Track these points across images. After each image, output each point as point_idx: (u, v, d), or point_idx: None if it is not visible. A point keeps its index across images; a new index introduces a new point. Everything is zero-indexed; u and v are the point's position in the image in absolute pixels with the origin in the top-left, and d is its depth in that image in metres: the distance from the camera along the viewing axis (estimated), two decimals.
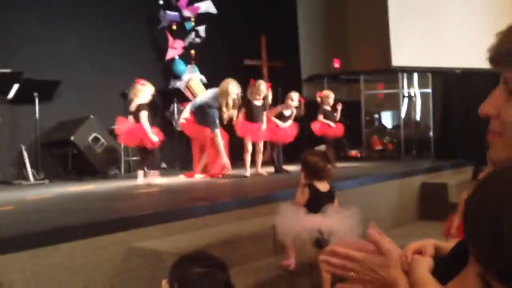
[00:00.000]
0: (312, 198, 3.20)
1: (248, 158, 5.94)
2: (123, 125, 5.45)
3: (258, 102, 5.89)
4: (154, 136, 5.30)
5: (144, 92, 5.41)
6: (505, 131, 0.90)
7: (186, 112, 6.03)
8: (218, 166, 5.94)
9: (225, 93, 5.72)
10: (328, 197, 3.25)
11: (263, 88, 5.86)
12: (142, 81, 5.51)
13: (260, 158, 6.10)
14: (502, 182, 0.70)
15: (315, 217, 3.10)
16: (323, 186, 3.26)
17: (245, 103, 5.91)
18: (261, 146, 6.07)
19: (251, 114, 5.86)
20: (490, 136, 0.93)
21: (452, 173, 6.81)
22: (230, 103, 5.75)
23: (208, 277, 1.55)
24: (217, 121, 5.76)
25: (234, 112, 5.86)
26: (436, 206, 5.62)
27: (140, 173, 5.46)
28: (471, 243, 0.72)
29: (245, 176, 5.81)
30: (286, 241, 3.23)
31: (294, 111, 6.32)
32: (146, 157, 5.49)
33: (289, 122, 6.31)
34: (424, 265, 0.99)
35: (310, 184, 3.23)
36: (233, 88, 5.75)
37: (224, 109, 5.75)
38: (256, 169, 6.06)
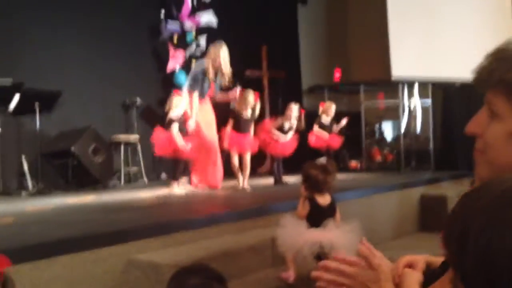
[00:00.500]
0: (313, 212, 3.21)
1: (235, 170, 5.76)
2: (158, 135, 5.51)
3: (246, 113, 5.75)
4: (184, 147, 5.32)
5: (178, 105, 5.53)
6: (487, 150, 0.95)
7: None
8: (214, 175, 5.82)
9: (211, 58, 5.68)
10: (329, 210, 3.26)
11: (251, 99, 5.72)
12: (178, 93, 5.66)
13: (247, 171, 5.83)
14: (476, 196, 0.76)
15: (316, 231, 3.12)
16: (324, 199, 3.27)
17: (232, 114, 5.80)
18: (247, 158, 5.83)
19: (239, 125, 5.71)
20: (475, 153, 0.98)
21: (452, 184, 6.81)
22: (210, 65, 5.65)
23: None
24: (193, 83, 5.65)
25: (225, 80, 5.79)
26: (435, 218, 5.61)
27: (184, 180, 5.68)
28: (445, 249, 0.78)
29: (239, 188, 5.69)
30: (287, 254, 3.23)
31: (295, 123, 6.25)
32: (178, 167, 5.58)
33: (290, 134, 6.25)
34: (413, 279, 1.04)
35: (311, 198, 3.24)
36: (217, 50, 5.68)
37: (209, 74, 5.66)
38: (242, 183, 5.78)
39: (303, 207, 3.25)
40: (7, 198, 5.43)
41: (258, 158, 8.38)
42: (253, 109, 5.80)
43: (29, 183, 5.96)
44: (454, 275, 0.77)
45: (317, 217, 3.19)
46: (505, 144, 0.91)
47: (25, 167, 6.01)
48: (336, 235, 3.06)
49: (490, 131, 0.93)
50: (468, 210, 0.75)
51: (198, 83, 5.64)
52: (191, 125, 5.51)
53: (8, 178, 6.06)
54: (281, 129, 6.22)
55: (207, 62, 5.70)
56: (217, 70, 5.72)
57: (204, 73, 5.67)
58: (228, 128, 5.73)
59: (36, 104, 6.11)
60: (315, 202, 3.23)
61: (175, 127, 5.38)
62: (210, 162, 5.73)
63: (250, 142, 5.83)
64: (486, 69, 0.92)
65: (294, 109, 6.24)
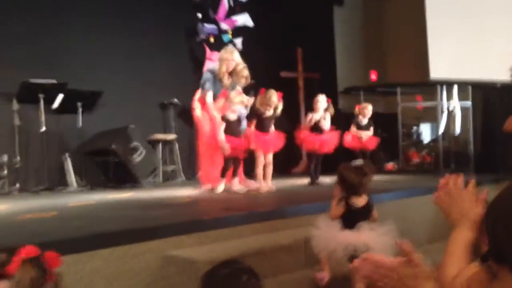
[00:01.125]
0: (348, 213, 3.19)
1: (260, 172, 5.62)
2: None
3: (268, 113, 5.60)
4: (224, 146, 5.37)
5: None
6: None
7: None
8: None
9: (221, 60, 5.67)
10: (364, 212, 3.24)
11: (275, 99, 5.57)
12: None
13: (270, 171, 5.72)
14: None
15: (350, 233, 3.10)
16: (359, 201, 3.24)
17: (254, 114, 5.67)
18: (270, 158, 5.70)
19: (262, 125, 5.59)
20: None
21: (492, 188, 6.62)
22: (223, 69, 5.63)
23: (232, 278, 1.60)
24: (209, 84, 5.65)
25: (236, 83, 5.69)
26: None
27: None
28: (489, 237, 0.79)
29: (259, 191, 5.52)
30: (321, 255, 3.24)
31: (326, 114, 6.19)
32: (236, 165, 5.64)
33: (327, 124, 6.21)
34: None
35: (346, 199, 3.22)
36: (227, 53, 5.69)
37: (223, 79, 5.66)
38: (266, 183, 5.65)
39: (337, 209, 3.23)
40: (51, 194, 5.64)
41: (293, 158, 8.44)
42: (275, 108, 5.68)
43: (72, 180, 6.17)
44: (499, 267, 0.78)
45: (352, 218, 3.17)
46: None
47: (69, 164, 6.23)
48: (370, 237, 3.05)
49: None
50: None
51: (211, 85, 5.67)
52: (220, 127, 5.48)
53: (52, 175, 6.29)
54: (316, 125, 6.18)
55: (219, 67, 5.71)
56: (230, 74, 5.70)
57: (215, 76, 5.70)
58: (252, 127, 5.61)
59: (79, 104, 6.32)
60: (350, 204, 3.21)
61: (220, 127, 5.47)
62: (217, 161, 5.70)
63: (274, 141, 5.69)
64: None
65: (321, 100, 6.16)
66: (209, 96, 5.65)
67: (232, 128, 5.43)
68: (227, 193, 5.52)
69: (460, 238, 1.19)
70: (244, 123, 7.60)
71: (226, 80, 5.68)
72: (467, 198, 1.27)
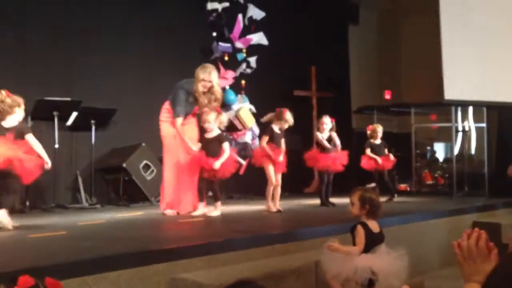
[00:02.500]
0: (367, 239, 3.12)
1: (271, 191, 5.55)
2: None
3: (278, 130, 5.64)
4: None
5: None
6: None
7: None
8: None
9: (198, 80, 5.37)
10: (380, 237, 3.21)
11: (290, 119, 5.62)
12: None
13: (279, 192, 5.66)
14: None
15: (365, 257, 3.06)
16: (374, 226, 3.22)
17: (267, 130, 5.66)
18: (279, 179, 5.63)
19: (274, 142, 5.57)
20: None
21: (507, 212, 6.53)
22: (200, 89, 5.33)
23: None
24: (181, 107, 5.33)
25: (207, 102, 5.37)
26: None
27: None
28: None
29: (270, 211, 5.49)
30: (332, 282, 3.17)
31: (333, 134, 6.26)
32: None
33: (338, 145, 6.25)
34: None
35: (365, 224, 3.16)
36: (205, 74, 5.35)
37: (199, 98, 5.38)
38: (275, 204, 5.59)
39: (361, 236, 3.10)
40: (61, 212, 5.66)
41: (305, 177, 8.39)
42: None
43: (83, 198, 6.19)
44: None
45: (370, 244, 3.11)
46: None
47: (80, 181, 6.25)
48: (385, 262, 3.01)
49: None
50: None
51: (182, 105, 5.38)
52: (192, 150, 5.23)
53: (63, 192, 6.32)
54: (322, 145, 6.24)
55: (196, 86, 5.39)
56: (207, 93, 5.41)
57: (188, 94, 5.41)
58: (264, 143, 5.56)
59: (92, 122, 6.37)
60: (368, 229, 3.15)
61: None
62: (187, 183, 5.35)
63: (284, 160, 5.65)
64: None
65: (326, 122, 6.25)
66: (179, 121, 5.36)
67: (208, 148, 5.13)
68: (236, 215, 5.48)
69: None
70: (256, 141, 7.64)
71: (202, 99, 5.40)
72: (480, 254, 1.26)
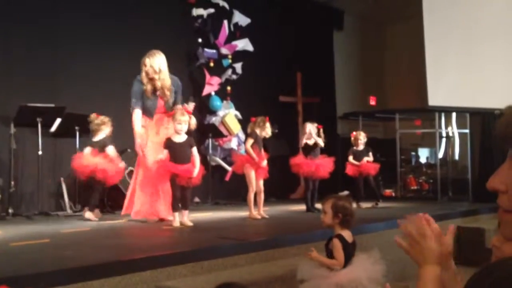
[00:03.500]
0: (345, 251, 2.95)
1: (252, 198, 5.45)
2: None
3: (261, 135, 5.64)
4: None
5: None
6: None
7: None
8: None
9: (143, 69, 5.10)
10: (354, 247, 3.05)
11: (269, 127, 5.63)
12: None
13: (262, 198, 5.56)
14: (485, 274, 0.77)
15: (348, 270, 2.91)
16: (348, 236, 3.04)
17: (252, 133, 5.56)
18: (261, 184, 5.54)
19: (259, 147, 5.55)
20: (500, 212, 0.93)
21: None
22: (144, 76, 5.07)
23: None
24: (136, 100, 5.08)
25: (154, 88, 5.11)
26: (472, 251, 5.45)
27: None
28: None
29: (253, 219, 5.44)
30: None
31: (318, 139, 6.26)
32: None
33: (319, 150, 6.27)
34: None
35: (341, 236, 2.99)
36: (145, 57, 5.09)
37: (149, 91, 5.11)
38: (259, 211, 5.53)
39: (338, 250, 2.93)
40: (45, 219, 5.59)
41: (291, 184, 8.41)
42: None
43: (67, 205, 6.12)
44: None
45: (348, 256, 2.95)
46: None
47: (64, 188, 6.19)
48: (366, 270, 2.94)
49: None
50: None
51: (139, 99, 5.12)
52: (139, 145, 5.06)
53: (46, 199, 6.25)
54: (308, 148, 6.25)
55: (142, 75, 5.10)
56: (154, 83, 5.10)
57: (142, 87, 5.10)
58: (249, 145, 5.47)
59: (76, 128, 6.31)
60: (345, 241, 2.98)
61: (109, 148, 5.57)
62: (157, 190, 5.08)
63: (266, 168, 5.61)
64: (503, 126, 0.91)
65: (308, 127, 6.26)
66: (136, 114, 5.11)
67: (177, 152, 4.79)
68: (221, 221, 5.46)
69: (428, 277, 1.18)
70: (242, 147, 7.63)
71: (148, 87, 5.09)
72: (430, 236, 1.24)
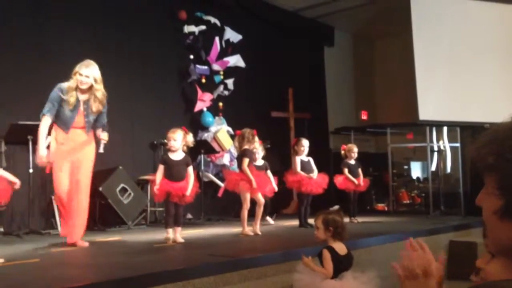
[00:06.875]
0: (333, 262, 3.08)
1: (246, 215, 5.42)
2: None
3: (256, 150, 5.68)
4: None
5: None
6: (486, 225, 0.98)
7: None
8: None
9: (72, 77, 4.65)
10: (348, 260, 3.18)
11: (257, 140, 5.62)
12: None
13: (261, 211, 5.60)
14: None
15: (334, 282, 3.03)
16: (342, 249, 3.19)
17: (247, 152, 5.48)
18: (260, 197, 5.55)
19: (252, 164, 5.55)
20: (483, 226, 0.98)
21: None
22: (73, 84, 4.60)
23: None
24: (51, 106, 4.56)
25: (76, 98, 4.62)
26: (464, 265, 5.43)
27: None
28: None
29: (246, 235, 5.39)
30: None
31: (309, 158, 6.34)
32: None
33: (314, 170, 6.31)
34: None
35: (330, 248, 3.14)
36: (78, 66, 4.66)
37: (72, 101, 4.63)
38: (255, 224, 5.51)
39: (327, 260, 3.08)
40: (35, 238, 5.54)
41: (284, 199, 8.39)
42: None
43: (58, 222, 6.06)
44: None
45: (337, 268, 3.07)
46: (496, 222, 0.93)
47: (55, 206, 6.13)
48: (354, 286, 2.98)
49: (484, 208, 0.95)
50: None
51: (55, 107, 4.60)
52: (40, 156, 4.56)
53: (37, 217, 6.20)
54: (306, 165, 6.28)
55: (68, 85, 4.64)
56: (82, 93, 4.68)
57: (62, 96, 4.61)
58: (245, 165, 5.39)
59: None
60: (335, 252, 3.12)
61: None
62: (73, 210, 4.68)
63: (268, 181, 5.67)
64: (480, 155, 0.94)
65: (305, 144, 6.29)
66: (45, 121, 4.59)
67: (172, 170, 4.82)
68: (212, 238, 5.43)
69: None
70: (234, 163, 7.63)
71: (72, 97, 4.60)
72: (433, 277, 1.25)
